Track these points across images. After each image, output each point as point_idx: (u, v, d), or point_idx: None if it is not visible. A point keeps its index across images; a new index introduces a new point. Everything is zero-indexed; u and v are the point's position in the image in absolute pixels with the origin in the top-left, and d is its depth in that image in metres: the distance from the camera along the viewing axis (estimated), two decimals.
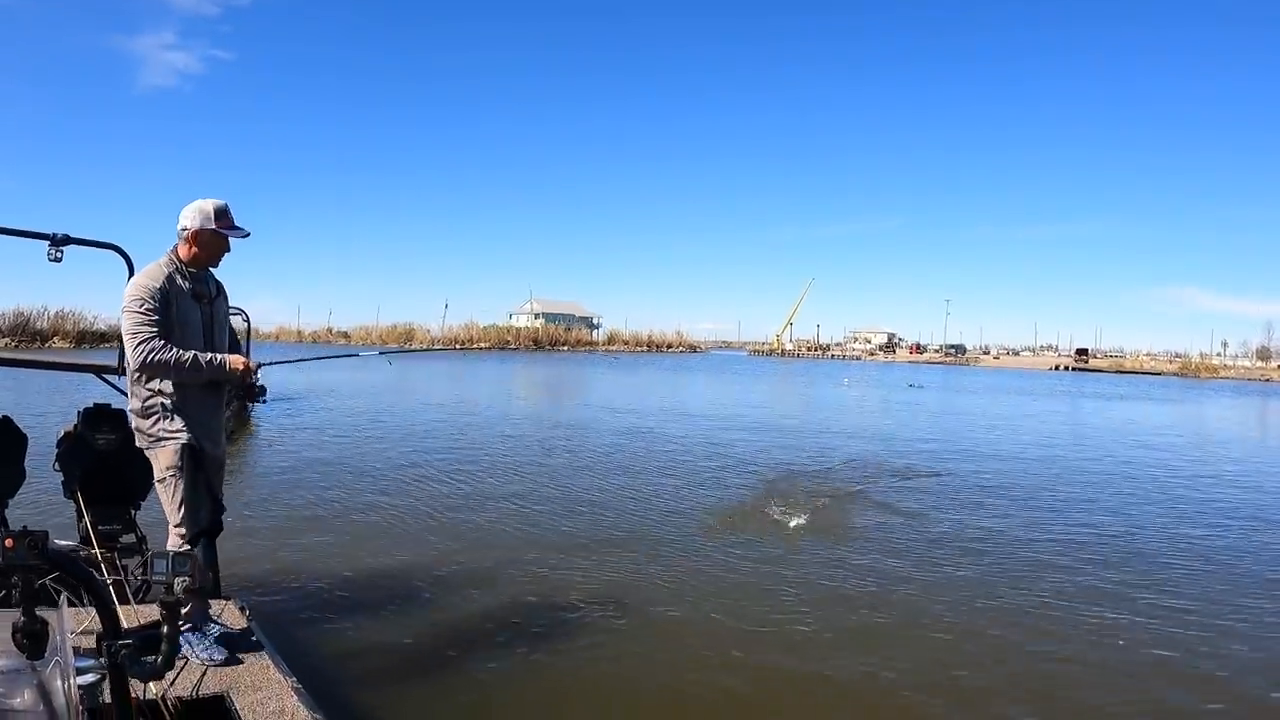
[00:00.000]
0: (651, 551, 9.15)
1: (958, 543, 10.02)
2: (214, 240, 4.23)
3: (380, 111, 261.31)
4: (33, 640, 1.68)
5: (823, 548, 9.52)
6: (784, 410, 31.17)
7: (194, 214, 4.19)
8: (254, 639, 4.45)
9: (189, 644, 4.16)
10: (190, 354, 4.11)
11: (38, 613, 1.69)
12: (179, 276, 4.21)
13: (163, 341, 4.08)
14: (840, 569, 8.63)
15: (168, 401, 4.20)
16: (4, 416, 5.08)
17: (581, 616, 7.02)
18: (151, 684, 3.53)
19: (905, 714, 5.49)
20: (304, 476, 13.71)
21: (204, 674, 3.99)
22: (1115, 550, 9.89)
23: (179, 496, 4.23)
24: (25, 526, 1.65)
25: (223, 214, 4.24)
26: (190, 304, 4.22)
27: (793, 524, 10.46)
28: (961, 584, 8.34)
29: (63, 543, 1.67)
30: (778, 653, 6.43)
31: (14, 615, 1.68)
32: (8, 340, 52.22)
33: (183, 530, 4.27)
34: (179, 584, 2.02)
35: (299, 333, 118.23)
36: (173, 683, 3.83)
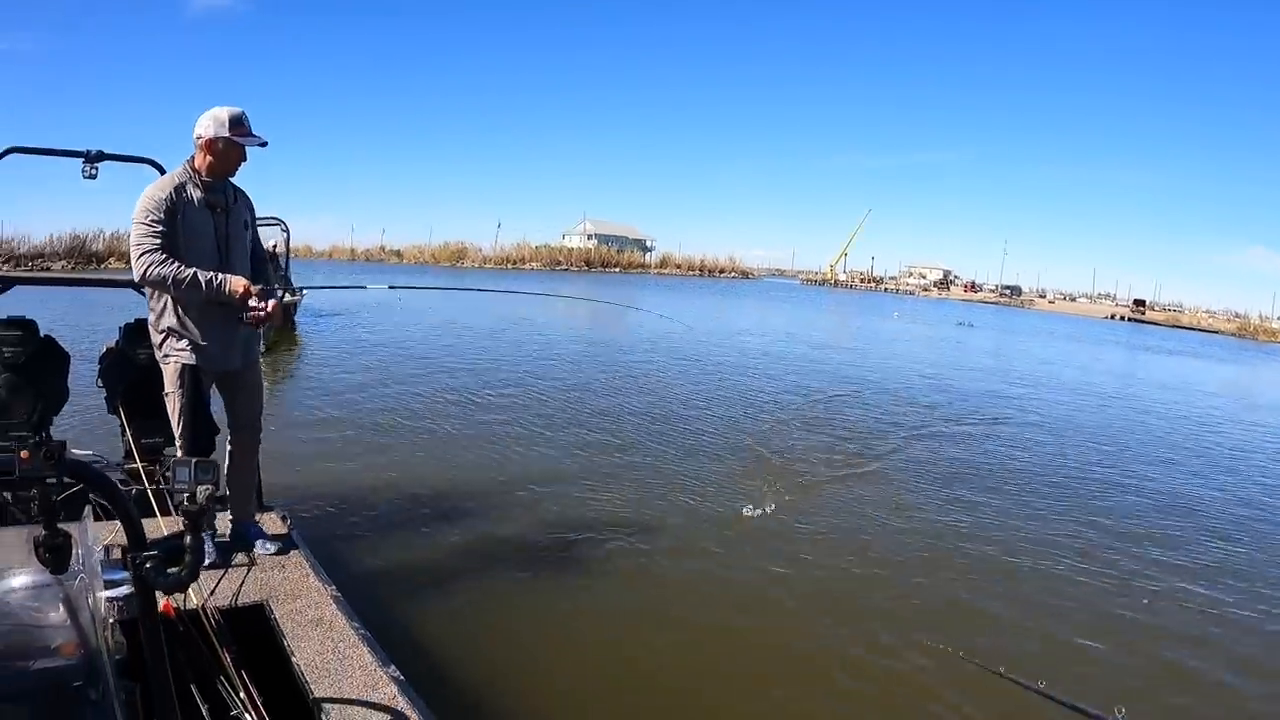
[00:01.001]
0: (688, 481, 9.12)
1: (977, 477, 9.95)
2: (228, 148, 4.10)
3: (434, 29, 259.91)
4: (55, 554, 1.67)
5: (837, 488, 9.54)
6: (821, 338, 30.85)
7: (208, 122, 4.06)
8: (294, 548, 4.50)
9: (215, 552, 4.26)
10: (190, 272, 3.98)
11: (61, 526, 1.68)
12: (191, 186, 4.09)
13: (164, 255, 3.97)
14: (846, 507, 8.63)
15: (172, 319, 4.14)
16: (46, 336, 5.12)
17: (612, 543, 7.03)
18: (192, 594, 3.59)
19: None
20: (348, 391, 13.86)
21: (243, 583, 4.03)
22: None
23: (175, 414, 4.22)
24: (44, 435, 1.63)
25: (237, 121, 4.09)
26: (202, 215, 4.11)
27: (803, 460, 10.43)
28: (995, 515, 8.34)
29: (80, 452, 1.65)
30: (807, 585, 6.50)
31: (37, 530, 1.67)
32: (65, 263, 52.80)
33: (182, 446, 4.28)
34: (202, 492, 2.00)
35: (352, 251, 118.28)
36: (213, 592, 3.89)
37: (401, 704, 3.10)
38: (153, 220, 3.97)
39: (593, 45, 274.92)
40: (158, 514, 3.81)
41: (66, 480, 1.66)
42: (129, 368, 4.89)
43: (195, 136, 4.10)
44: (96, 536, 1.89)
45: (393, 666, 3.39)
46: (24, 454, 1.59)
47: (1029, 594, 6.61)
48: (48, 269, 48.99)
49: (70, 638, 1.84)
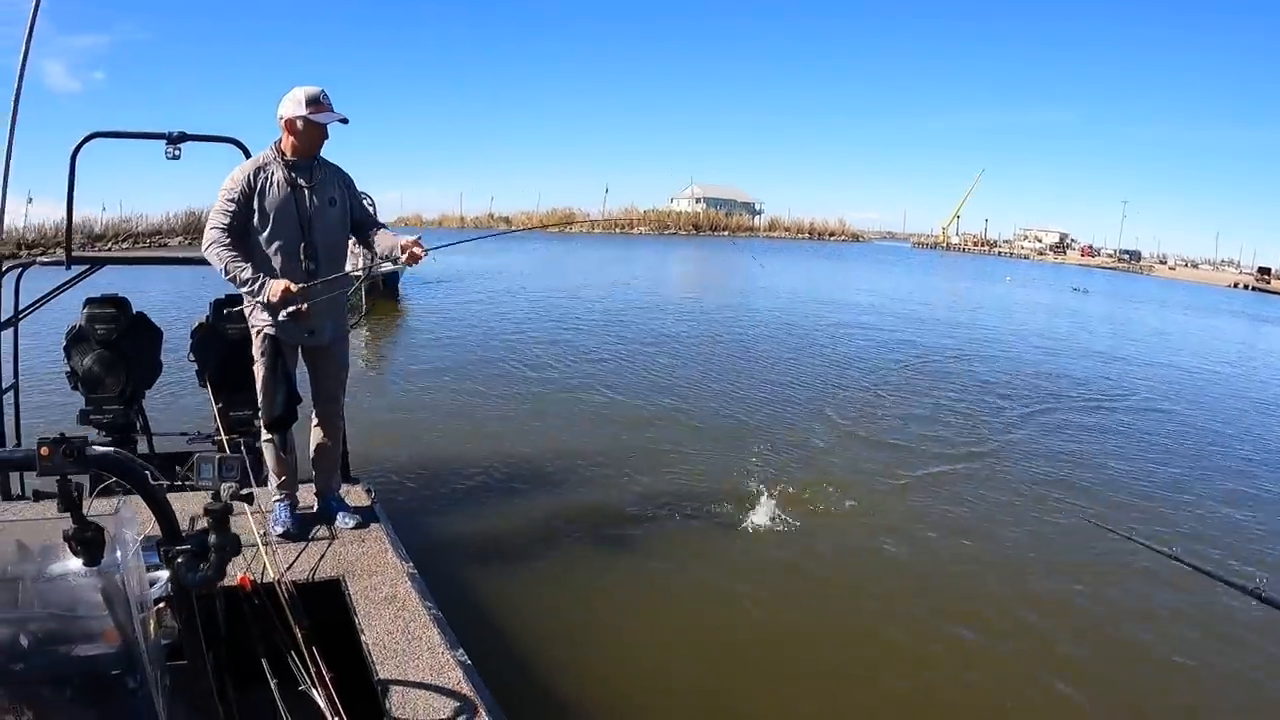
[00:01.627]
0: (781, 456, 8.95)
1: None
2: (307, 127, 4.12)
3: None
4: (86, 547, 1.69)
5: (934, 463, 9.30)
6: (927, 303, 29.87)
7: (288, 102, 4.12)
8: (375, 523, 4.56)
9: (283, 522, 4.37)
10: (237, 267, 4.03)
11: (93, 518, 1.70)
12: (275, 166, 4.16)
13: (227, 239, 4.05)
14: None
15: (232, 300, 4.29)
16: (138, 313, 5.31)
17: (695, 522, 6.95)
18: (269, 567, 3.67)
19: None
20: (444, 361, 14.05)
21: (322, 557, 4.11)
22: None
23: (259, 383, 4.31)
24: (62, 433, 1.63)
25: (314, 100, 4.11)
26: (284, 194, 4.15)
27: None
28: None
29: (100, 448, 1.64)
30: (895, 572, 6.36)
31: (68, 523, 1.68)
32: (181, 239, 54.76)
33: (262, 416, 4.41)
34: (225, 490, 2.00)
35: (461, 219, 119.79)
36: (290, 566, 3.97)
37: (466, 690, 3.09)
38: (227, 201, 4.07)
39: (699, 6, 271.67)
40: (252, 484, 3.89)
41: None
42: (218, 342, 5.02)
43: (278, 117, 4.16)
44: (137, 524, 1.91)
45: (461, 650, 3.39)
46: (44, 450, 1.58)
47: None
48: (165, 244, 50.90)
49: (109, 626, 1.87)
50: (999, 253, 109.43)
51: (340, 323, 4.51)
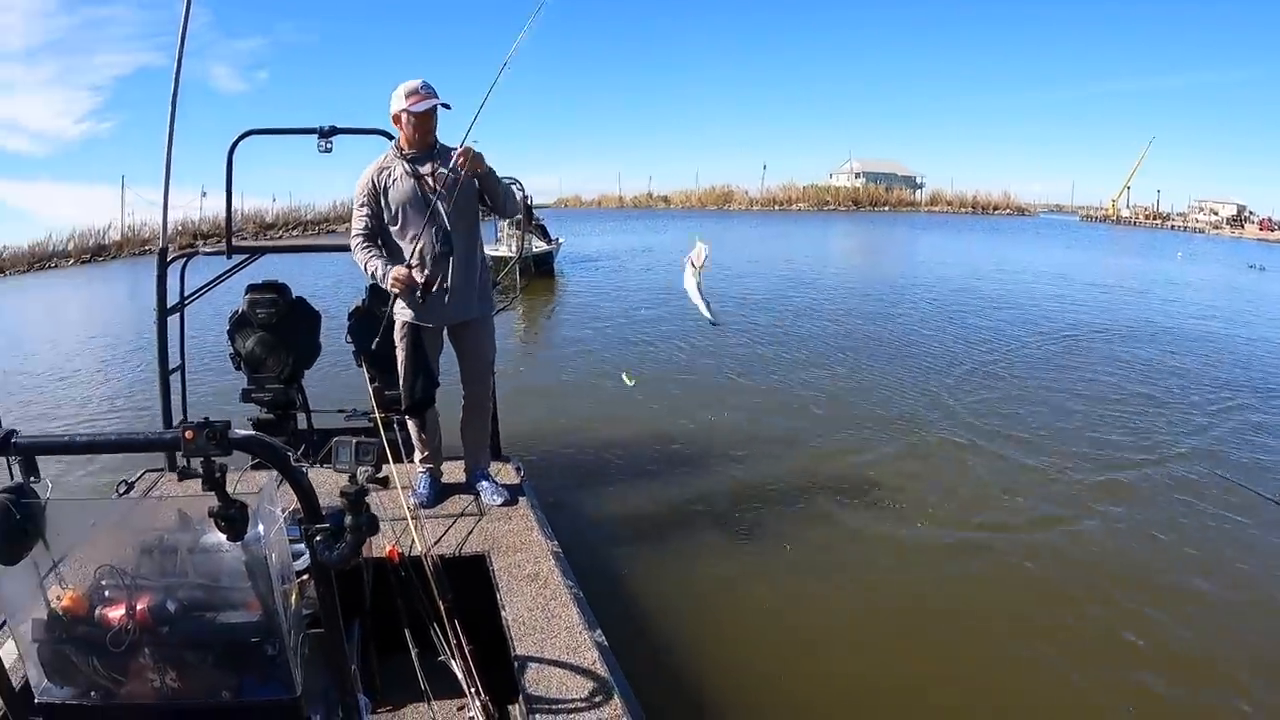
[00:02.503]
0: (944, 445, 8.66)
1: None
2: (410, 119, 4.23)
3: None
4: (230, 524, 1.81)
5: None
6: (1092, 281, 27.50)
7: (393, 99, 4.24)
8: (523, 499, 4.67)
9: (421, 495, 4.57)
10: (366, 262, 4.30)
11: (238, 496, 1.82)
12: (396, 163, 4.32)
13: (363, 240, 4.34)
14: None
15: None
16: (298, 297, 5.58)
17: (848, 511, 6.78)
18: (417, 540, 3.81)
19: None
20: (598, 339, 14.28)
21: (469, 533, 4.24)
22: None
23: (400, 368, 4.56)
24: (206, 418, 1.73)
25: (414, 92, 4.21)
26: (408, 187, 4.29)
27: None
28: None
29: (241, 432, 1.75)
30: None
31: (213, 501, 1.80)
32: (348, 225, 57.61)
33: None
34: (361, 473, 2.09)
35: (620, 198, 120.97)
36: (438, 540, 4.11)
37: (601, 671, 3.12)
38: (360, 204, 4.37)
39: None
40: (390, 461, 4.05)
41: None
42: (374, 324, 5.22)
43: (390, 116, 4.35)
44: (280, 500, 2.03)
45: (599, 631, 3.44)
46: (188, 434, 1.68)
47: None
48: (332, 230, 53.06)
49: (251, 598, 2.00)
50: (1171, 226, 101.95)
51: (480, 303, 4.57)
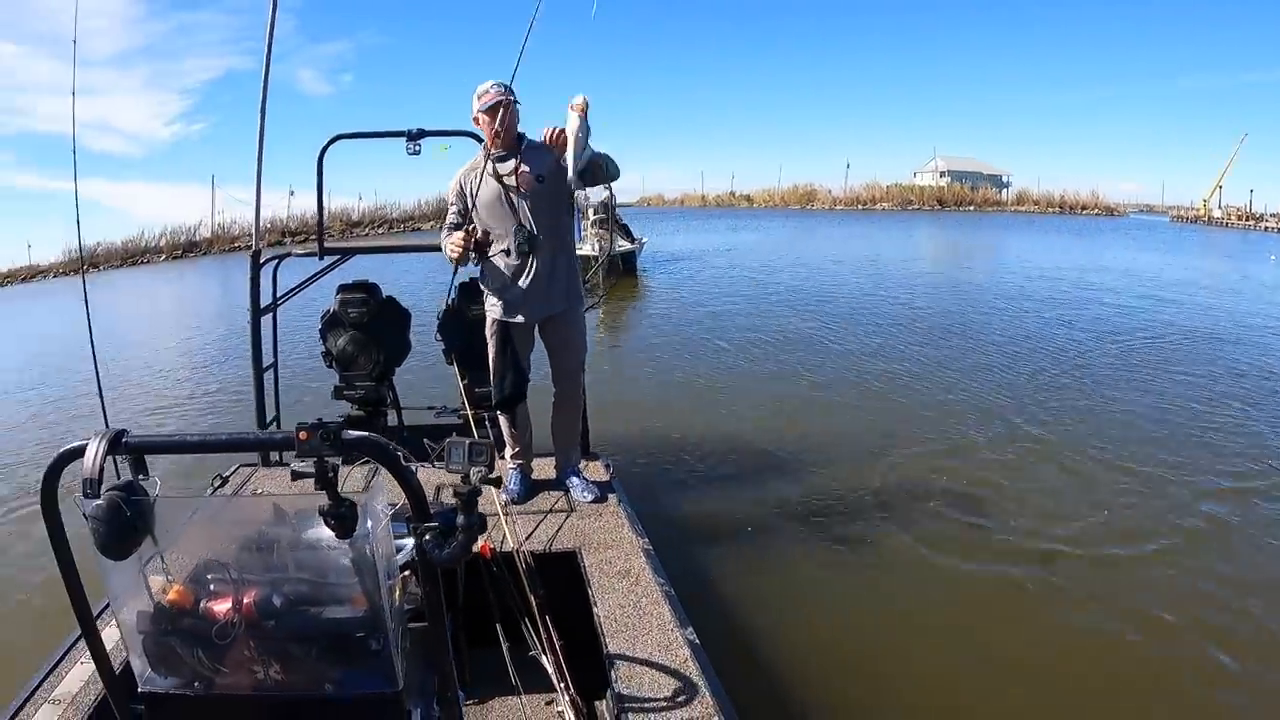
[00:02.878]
0: (1040, 441, 8.49)
1: None
2: (485, 118, 4.30)
3: None
4: (340, 522, 1.84)
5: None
6: (1179, 280, 26.48)
7: (473, 102, 4.35)
8: (613, 496, 4.68)
9: (512, 491, 4.62)
10: (443, 242, 4.51)
11: (348, 495, 1.84)
12: (484, 164, 4.36)
13: (445, 232, 4.56)
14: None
15: (484, 279, 4.56)
16: (388, 297, 5.69)
17: (952, 518, 6.58)
18: (509, 536, 3.83)
19: None
20: (685, 338, 14.23)
21: (559, 529, 4.25)
22: None
23: (490, 365, 4.62)
24: (320, 419, 1.76)
25: (484, 92, 4.28)
26: (491, 187, 4.36)
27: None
28: None
29: (354, 433, 1.77)
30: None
31: (324, 499, 1.84)
32: (434, 223, 58.65)
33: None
34: (475, 474, 2.11)
35: (703, 197, 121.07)
36: (529, 536, 4.13)
37: (692, 670, 3.09)
38: (451, 203, 4.58)
39: None
40: (419, 485, 4.07)
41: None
42: (463, 323, 5.28)
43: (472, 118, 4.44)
44: (387, 499, 2.04)
45: (690, 629, 3.40)
46: (302, 434, 1.72)
47: None
48: (417, 229, 54.10)
49: (356, 594, 2.01)
50: (1265, 228, 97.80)
51: (567, 298, 4.56)
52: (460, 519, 1.97)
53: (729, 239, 43.46)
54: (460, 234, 4.34)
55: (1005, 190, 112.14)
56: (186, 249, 61.03)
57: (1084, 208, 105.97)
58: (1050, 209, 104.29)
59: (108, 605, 2.47)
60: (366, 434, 1.82)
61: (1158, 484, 7.30)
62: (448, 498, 2.59)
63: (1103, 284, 23.11)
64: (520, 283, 4.40)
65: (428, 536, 1.91)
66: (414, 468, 1.90)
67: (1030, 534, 6.31)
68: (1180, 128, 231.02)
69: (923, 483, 7.26)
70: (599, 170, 4.27)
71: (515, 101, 4.28)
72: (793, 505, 6.75)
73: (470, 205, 4.44)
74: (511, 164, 4.33)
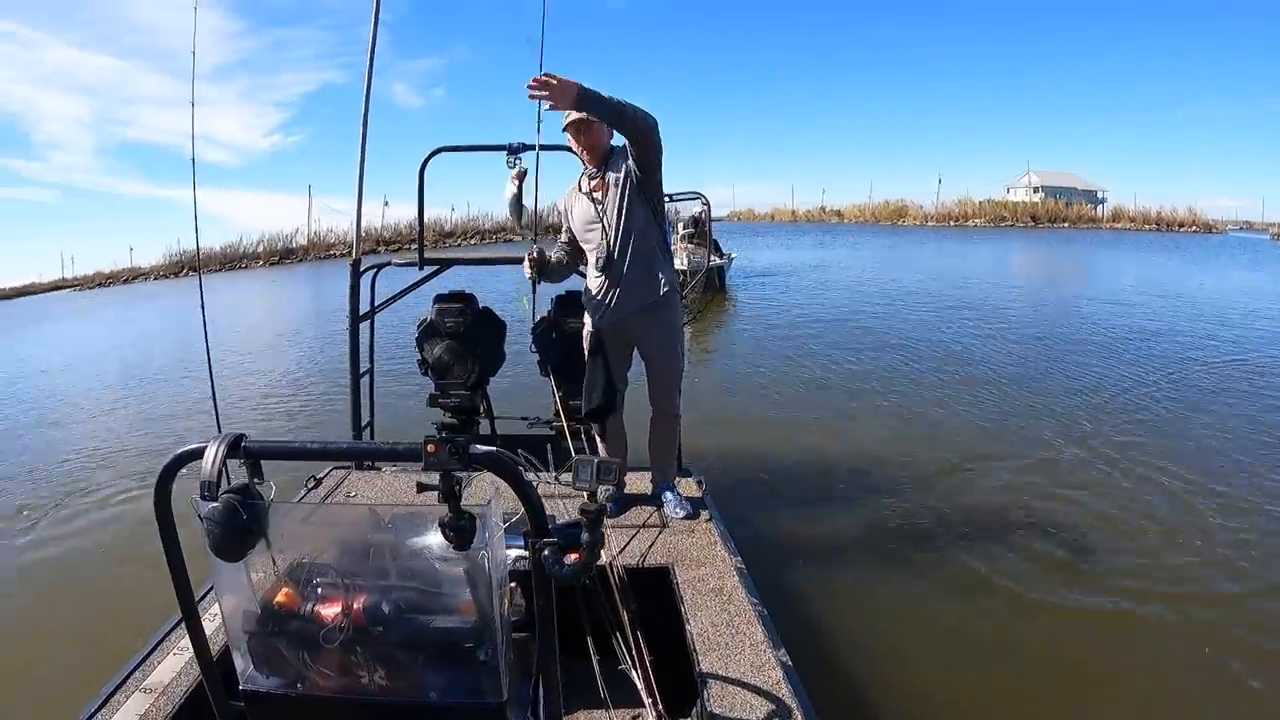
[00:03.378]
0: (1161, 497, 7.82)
1: None
2: (571, 135, 4.44)
3: None
4: (459, 534, 1.88)
5: None
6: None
7: None
8: (706, 514, 4.65)
9: (614, 508, 4.64)
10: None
11: (467, 508, 1.88)
12: (582, 179, 4.54)
13: (559, 251, 4.75)
14: None
15: (582, 293, 4.72)
16: (484, 307, 5.76)
17: (1058, 548, 6.32)
18: (601, 551, 3.82)
19: None
20: (777, 354, 14.16)
21: (653, 545, 4.24)
22: None
23: (585, 376, 4.70)
24: (448, 433, 1.78)
25: (564, 116, 4.35)
26: (582, 204, 4.49)
27: None
28: None
29: (481, 448, 1.79)
30: None
31: (444, 511, 1.88)
32: (525, 236, 60.35)
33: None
34: (602, 492, 2.12)
35: (793, 213, 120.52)
36: (622, 550, 4.13)
37: (784, 693, 3.05)
38: (561, 220, 4.70)
39: None
40: (540, 501, 4.09)
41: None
42: (559, 335, 5.33)
43: None
44: (500, 512, 2.06)
45: (783, 650, 3.36)
46: (430, 447, 1.76)
47: None
48: (509, 240, 54.97)
49: (467, 603, 2.03)
50: None
51: (655, 306, 4.52)
52: (585, 536, 2.01)
53: (819, 255, 43.09)
54: (526, 257, 4.57)
55: (1101, 207, 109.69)
56: (283, 256, 62.65)
57: (1181, 225, 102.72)
58: (1147, 226, 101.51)
59: (205, 595, 2.53)
60: (492, 449, 1.85)
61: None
62: (551, 509, 2.61)
63: (1198, 303, 22.22)
64: (607, 289, 4.47)
65: (546, 551, 1.94)
66: (537, 483, 1.92)
67: (1134, 570, 6.06)
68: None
69: (1018, 507, 7.09)
70: (631, 127, 4.09)
71: (594, 118, 4.22)
72: (884, 527, 6.65)
73: (567, 223, 4.61)
74: (599, 180, 4.44)
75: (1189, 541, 6.45)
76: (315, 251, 62.27)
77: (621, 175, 4.33)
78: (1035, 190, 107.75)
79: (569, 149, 4.73)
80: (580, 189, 4.51)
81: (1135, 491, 7.48)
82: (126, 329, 26.42)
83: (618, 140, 4.40)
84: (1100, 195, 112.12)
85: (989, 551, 6.24)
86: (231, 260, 61.03)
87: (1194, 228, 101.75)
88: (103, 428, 11.78)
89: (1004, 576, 5.89)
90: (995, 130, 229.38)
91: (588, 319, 4.66)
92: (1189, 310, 20.58)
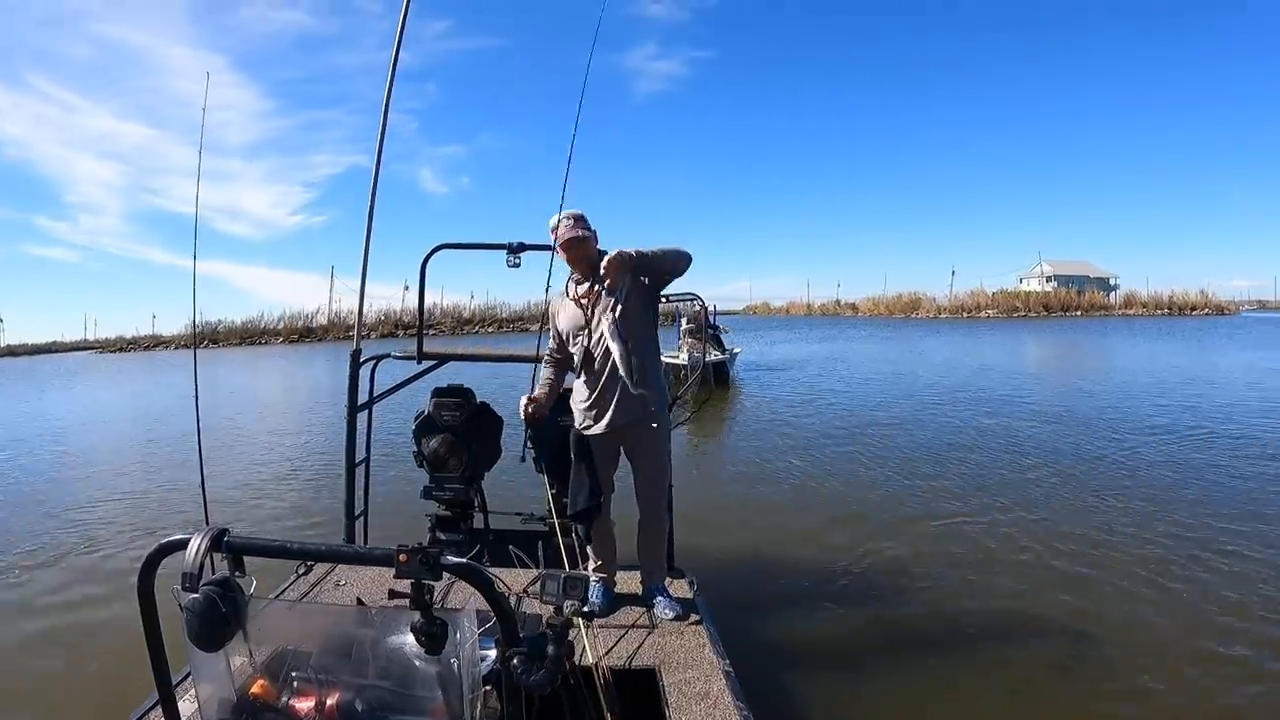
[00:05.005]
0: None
1: None
2: (560, 252, 4.50)
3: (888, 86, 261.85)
4: (430, 639, 1.91)
5: None
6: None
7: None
8: (696, 615, 4.63)
9: (593, 604, 4.61)
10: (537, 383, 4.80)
11: (440, 614, 1.92)
12: (571, 285, 4.61)
13: (546, 360, 4.83)
14: None
15: (571, 395, 4.76)
16: (482, 402, 5.87)
17: (1052, 657, 6.06)
18: (589, 650, 3.83)
19: None
20: (776, 449, 14.10)
21: (640, 646, 4.23)
22: None
23: (571, 477, 4.70)
24: (420, 543, 1.84)
25: (556, 225, 4.45)
26: (570, 310, 4.56)
27: None
28: None
29: (452, 559, 1.85)
30: None
31: (416, 617, 1.91)
32: (540, 325, 62.21)
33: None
34: (568, 607, 2.17)
35: (808, 306, 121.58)
36: (609, 651, 4.12)
37: None
38: (550, 330, 4.75)
39: (1038, 78, 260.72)
40: (565, 565, 4.12)
41: None
42: (555, 432, 5.36)
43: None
44: (474, 616, 2.09)
45: None
46: (402, 557, 1.81)
47: None
48: (525, 329, 55.46)
49: (439, 706, 2.07)
50: None
51: (647, 412, 4.56)
52: (550, 650, 2.07)
53: (830, 349, 43.21)
54: (524, 400, 4.68)
55: (1113, 294, 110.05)
56: (303, 334, 63.25)
57: (1194, 308, 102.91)
58: (1159, 310, 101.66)
59: (182, 680, 2.56)
60: (464, 561, 1.90)
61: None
62: (530, 607, 2.65)
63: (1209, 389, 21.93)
64: (597, 397, 4.53)
65: (515, 660, 1.99)
66: (497, 572, 1.97)
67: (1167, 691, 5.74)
68: None
69: (1018, 613, 6.89)
70: (660, 271, 4.43)
71: (587, 234, 4.46)
72: (880, 633, 6.53)
73: (554, 328, 4.67)
74: (587, 285, 4.51)
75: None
76: (335, 332, 62.90)
77: (624, 287, 4.38)
78: (1049, 280, 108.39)
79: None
80: (568, 294, 4.60)
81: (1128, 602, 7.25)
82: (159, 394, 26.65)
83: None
84: (1113, 282, 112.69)
85: (987, 667, 5.97)
86: (252, 335, 61.64)
87: (1206, 310, 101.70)
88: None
89: (1002, 689, 5.68)
90: (1008, 221, 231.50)
91: (575, 420, 4.71)
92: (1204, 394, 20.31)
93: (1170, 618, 6.72)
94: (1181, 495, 10.51)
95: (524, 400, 4.66)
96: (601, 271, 4.28)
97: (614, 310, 4.36)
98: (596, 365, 4.47)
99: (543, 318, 4.86)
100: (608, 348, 4.37)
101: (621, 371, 4.29)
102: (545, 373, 4.81)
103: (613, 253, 4.26)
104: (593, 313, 4.46)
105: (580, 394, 4.62)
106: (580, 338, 4.52)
